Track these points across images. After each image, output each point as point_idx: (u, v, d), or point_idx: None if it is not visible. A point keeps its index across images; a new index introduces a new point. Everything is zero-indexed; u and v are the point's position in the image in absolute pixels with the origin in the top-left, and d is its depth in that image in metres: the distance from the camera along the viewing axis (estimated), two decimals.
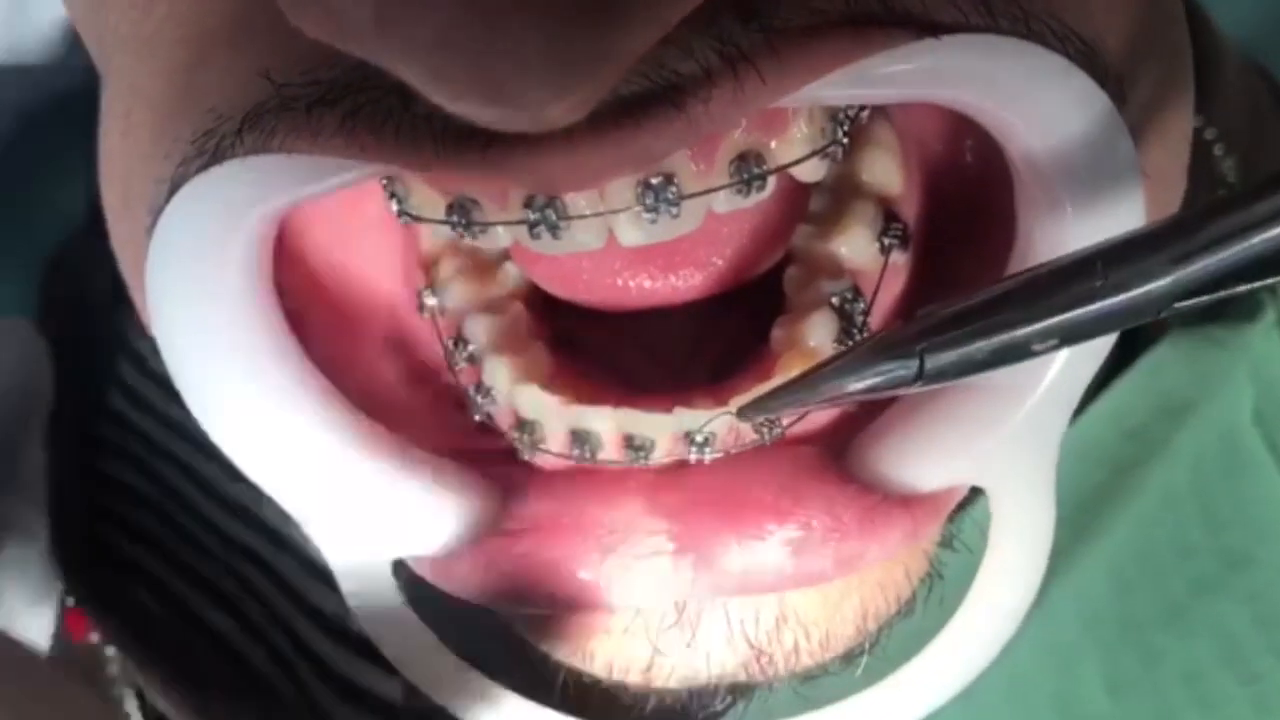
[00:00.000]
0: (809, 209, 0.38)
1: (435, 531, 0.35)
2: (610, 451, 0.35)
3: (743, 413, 0.32)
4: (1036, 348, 0.27)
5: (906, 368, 0.28)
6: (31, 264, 0.59)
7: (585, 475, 0.36)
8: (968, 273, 0.37)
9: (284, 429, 0.34)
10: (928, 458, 0.35)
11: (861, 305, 0.36)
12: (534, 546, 0.34)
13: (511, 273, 0.39)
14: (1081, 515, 0.46)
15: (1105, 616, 0.46)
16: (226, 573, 0.54)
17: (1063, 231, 0.32)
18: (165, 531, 0.55)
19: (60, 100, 0.63)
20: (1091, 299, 0.27)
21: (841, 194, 0.37)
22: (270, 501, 0.54)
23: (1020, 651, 0.45)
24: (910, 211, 0.38)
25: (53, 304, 0.58)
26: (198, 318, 0.33)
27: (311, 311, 0.37)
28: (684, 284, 0.36)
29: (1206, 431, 0.46)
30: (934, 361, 0.28)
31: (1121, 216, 0.32)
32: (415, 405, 0.39)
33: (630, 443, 0.35)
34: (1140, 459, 0.46)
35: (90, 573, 0.53)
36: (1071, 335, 0.27)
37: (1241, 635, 0.46)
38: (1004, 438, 0.34)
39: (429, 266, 0.39)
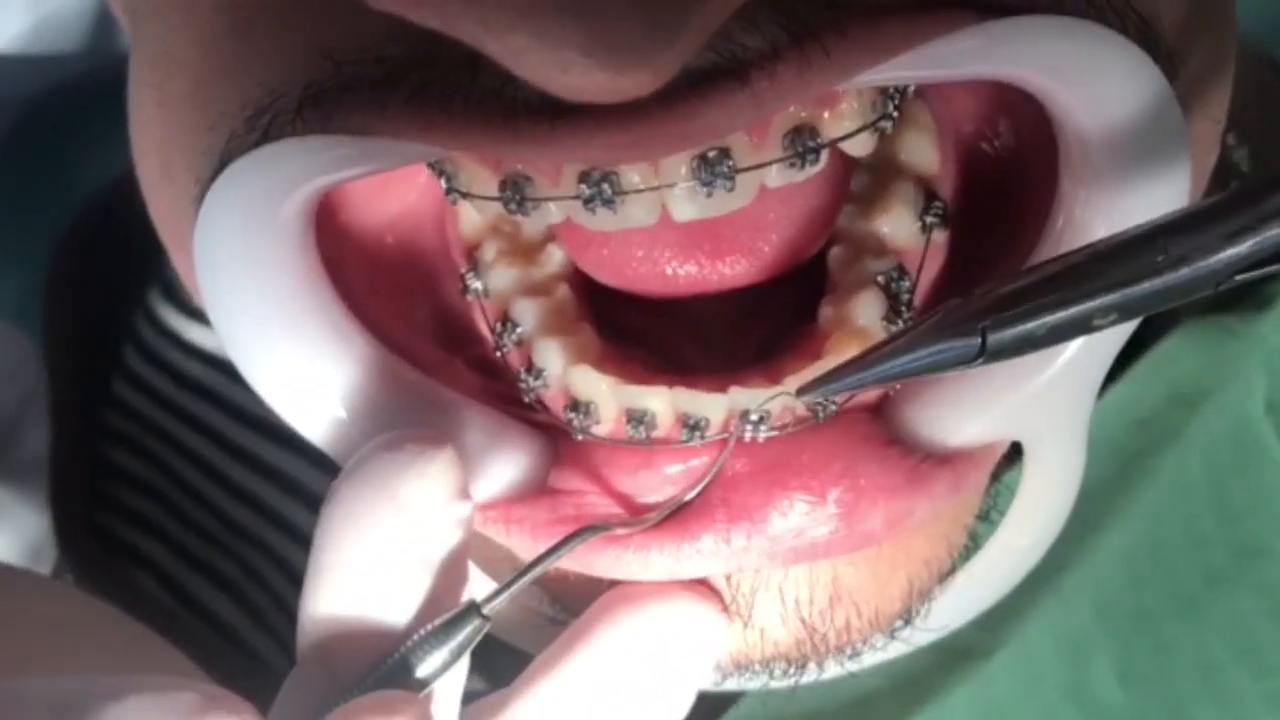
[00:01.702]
0: (851, 191, 0.38)
1: (492, 478, 0.35)
2: (665, 431, 0.36)
3: (802, 392, 0.32)
4: (1098, 322, 0.28)
5: (968, 345, 0.28)
6: (36, 254, 0.59)
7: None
8: (1002, 250, 0.37)
9: (335, 383, 0.35)
10: (965, 413, 0.35)
11: (907, 283, 0.36)
12: (593, 506, 0.35)
13: (555, 255, 0.39)
14: (1094, 505, 0.46)
15: (1118, 607, 0.46)
16: (232, 559, 0.54)
17: (1110, 205, 0.33)
18: (169, 518, 0.55)
19: (62, 90, 0.62)
20: (1153, 273, 0.27)
21: (881, 174, 0.37)
22: (277, 488, 0.54)
23: (1033, 640, 0.45)
24: (947, 190, 0.38)
25: (57, 293, 0.58)
26: (247, 282, 0.33)
27: (343, 277, 0.37)
28: (731, 270, 0.36)
29: (1219, 421, 0.46)
30: (996, 338, 0.28)
31: (1170, 190, 0.32)
32: (455, 370, 0.39)
33: (685, 421, 0.35)
34: (1152, 449, 0.46)
35: (94, 559, 0.53)
36: (1133, 309, 0.27)
37: (1255, 627, 0.46)
38: (1039, 392, 0.35)
39: (471, 250, 0.39)
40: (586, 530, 0.34)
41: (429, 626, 0.31)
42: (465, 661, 0.32)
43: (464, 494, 0.32)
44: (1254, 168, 0.49)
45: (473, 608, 0.31)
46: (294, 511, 0.53)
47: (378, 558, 0.31)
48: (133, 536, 0.54)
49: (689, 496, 0.34)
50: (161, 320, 0.57)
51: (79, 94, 0.59)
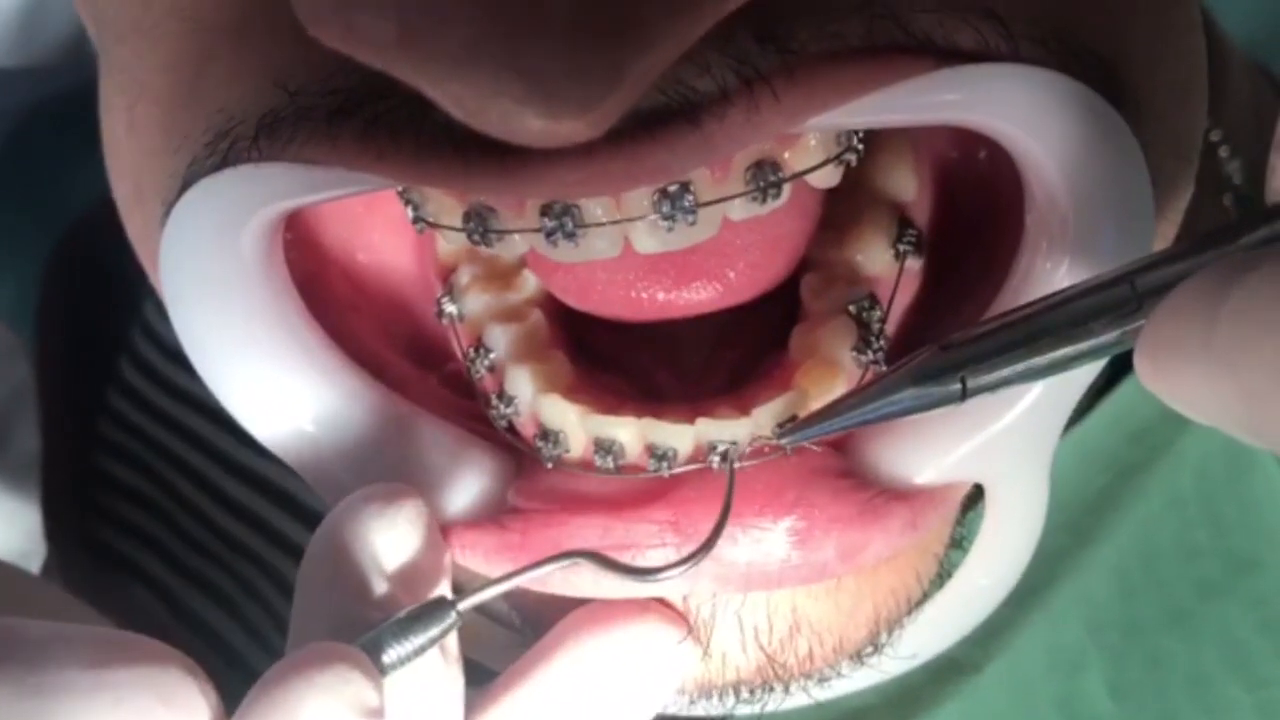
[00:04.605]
0: (824, 217, 0.38)
1: (451, 497, 0.36)
2: (634, 460, 0.36)
3: (783, 436, 0.33)
4: (1074, 363, 0.28)
5: (947, 392, 0.29)
6: (30, 263, 0.59)
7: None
8: (977, 279, 0.37)
9: (300, 399, 0.35)
10: (924, 454, 0.35)
11: (879, 313, 0.36)
12: (540, 528, 0.35)
13: (530, 280, 0.39)
14: (1086, 518, 0.46)
15: (1109, 620, 0.46)
16: (229, 575, 0.54)
17: (1074, 249, 0.33)
18: (165, 531, 0.55)
19: (60, 99, 0.63)
20: (1126, 316, 0.27)
21: (856, 201, 0.37)
22: (273, 503, 0.54)
23: (1024, 654, 0.45)
24: (922, 218, 0.38)
25: (51, 303, 0.58)
26: (207, 302, 0.34)
27: (323, 292, 0.37)
28: (699, 296, 0.36)
29: (1211, 434, 0.46)
30: (975, 384, 0.28)
31: (1134, 235, 0.32)
32: (428, 387, 0.39)
33: (653, 451, 0.35)
34: (1145, 462, 0.46)
35: (88, 570, 0.53)
36: (1105, 350, 0.28)
37: (1247, 640, 0.45)
38: (1001, 436, 0.35)
39: (446, 274, 0.39)
40: (574, 554, 0.34)
41: (398, 615, 0.31)
42: (452, 669, 0.33)
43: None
44: (1248, 180, 0.48)
45: (445, 603, 0.32)
46: (292, 527, 0.54)
47: None
48: (127, 548, 0.54)
49: (693, 556, 0.34)
50: (157, 333, 0.57)
51: (76, 103, 0.60)
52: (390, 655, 0.31)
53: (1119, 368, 0.46)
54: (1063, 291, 0.29)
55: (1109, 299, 0.28)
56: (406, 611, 0.31)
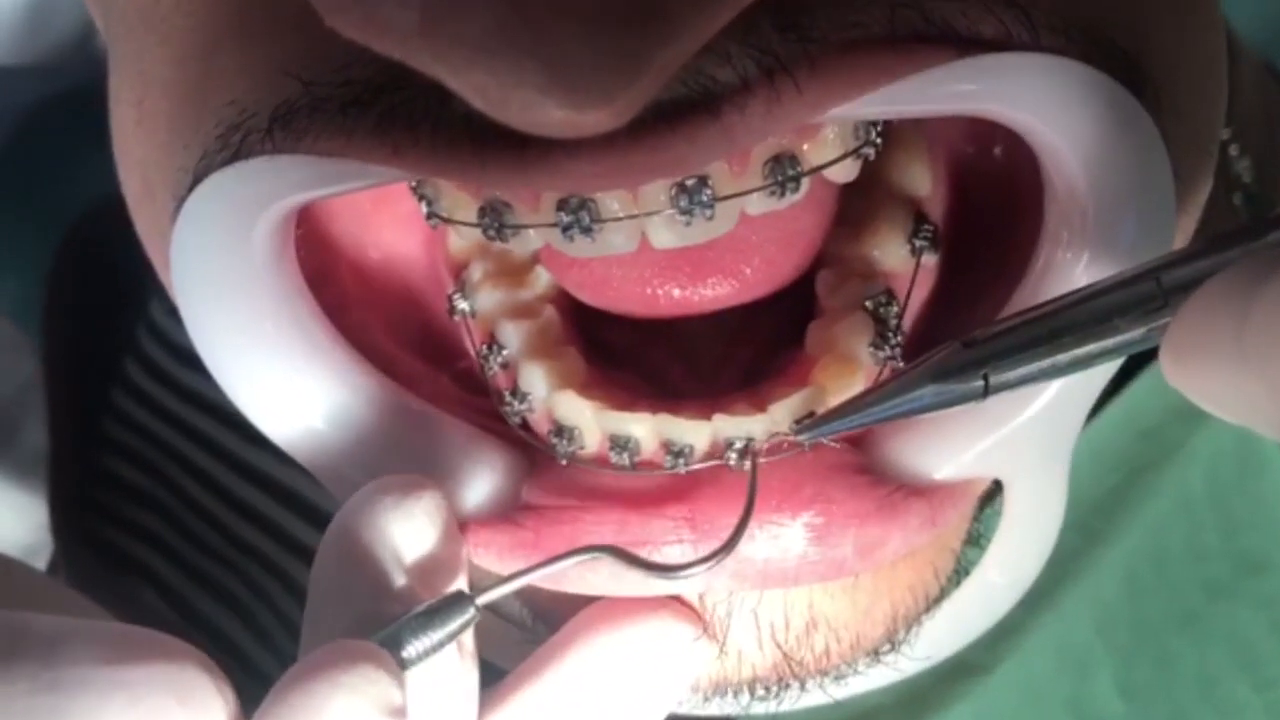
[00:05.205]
0: (839, 212, 0.38)
1: (465, 493, 0.35)
2: (650, 457, 0.35)
3: (801, 432, 0.33)
4: (1096, 360, 0.28)
5: (970, 389, 0.29)
6: (35, 260, 0.59)
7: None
8: (994, 274, 0.37)
9: (310, 396, 0.35)
10: (942, 450, 0.35)
11: (896, 308, 0.36)
12: (554, 524, 0.35)
13: (543, 276, 0.39)
14: (1096, 517, 0.46)
15: (1119, 620, 0.46)
16: (237, 576, 0.54)
17: (1094, 242, 0.33)
18: (172, 532, 0.55)
19: (65, 96, 0.63)
20: (1150, 312, 0.27)
21: (872, 196, 0.37)
22: (282, 505, 0.54)
23: (1034, 655, 0.45)
24: (938, 212, 0.38)
25: (55, 301, 0.58)
26: (218, 297, 0.34)
27: (334, 288, 0.37)
28: (714, 293, 0.36)
29: (1223, 433, 0.46)
30: (998, 380, 0.28)
31: (1155, 230, 0.32)
32: (439, 384, 0.39)
33: (669, 448, 0.35)
34: (1155, 461, 0.46)
35: (95, 572, 0.53)
36: (1129, 347, 0.28)
37: (1257, 640, 0.45)
38: (1019, 432, 0.35)
39: (458, 270, 0.39)
40: (595, 549, 0.33)
41: (416, 609, 0.31)
42: (468, 665, 0.32)
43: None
44: (1257, 179, 0.48)
45: (463, 597, 0.31)
46: (300, 529, 0.53)
47: None
48: (134, 549, 0.54)
49: (716, 553, 0.33)
50: (163, 332, 0.57)
51: (82, 101, 0.60)
52: (409, 651, 0.31)
53: (1131, 366, 0.46)
54: (1087, 287, 0.29)
55: (1134, 295, 0.27)
56: (425, 606, 0.31)
